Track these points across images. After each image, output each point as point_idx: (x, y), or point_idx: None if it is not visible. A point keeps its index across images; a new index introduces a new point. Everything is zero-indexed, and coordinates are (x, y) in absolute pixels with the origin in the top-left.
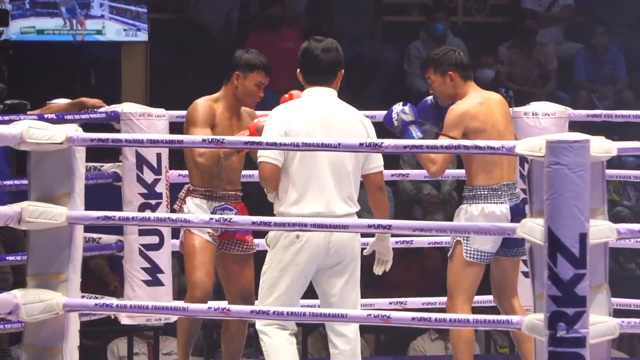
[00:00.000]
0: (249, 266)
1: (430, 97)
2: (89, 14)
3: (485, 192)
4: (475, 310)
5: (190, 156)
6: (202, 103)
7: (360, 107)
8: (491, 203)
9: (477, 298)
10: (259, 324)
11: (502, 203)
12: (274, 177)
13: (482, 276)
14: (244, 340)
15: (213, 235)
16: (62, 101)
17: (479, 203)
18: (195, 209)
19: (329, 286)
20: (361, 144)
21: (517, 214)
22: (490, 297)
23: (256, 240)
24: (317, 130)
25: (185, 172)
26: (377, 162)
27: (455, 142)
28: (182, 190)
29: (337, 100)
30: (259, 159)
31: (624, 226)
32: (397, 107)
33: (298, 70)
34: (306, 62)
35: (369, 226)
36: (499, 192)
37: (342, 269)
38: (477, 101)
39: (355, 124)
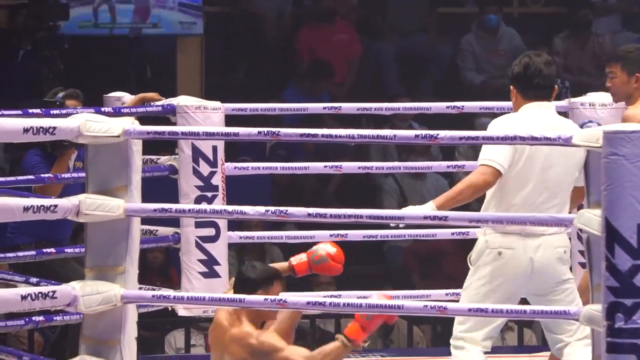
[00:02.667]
0: None
1: None
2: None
3: None
4: None
5: None
6: None
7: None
8: None
9: None
10: (452, 339)
11: None
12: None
13: None
14: None
15: None
16: (120, 95)
17: None
18: None
19: None
20: (416, 136)
21: None
22: None
23: None
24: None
25: (241, 164)
26: None
27: (511, 134)
28: None
29: (559, 116)
30: (482, 162)
31: None
32: None
33: (512, 87)
34: (529, 78)
35: (425, 217)
36: None
37: (550, 296)
38: None
39: None
